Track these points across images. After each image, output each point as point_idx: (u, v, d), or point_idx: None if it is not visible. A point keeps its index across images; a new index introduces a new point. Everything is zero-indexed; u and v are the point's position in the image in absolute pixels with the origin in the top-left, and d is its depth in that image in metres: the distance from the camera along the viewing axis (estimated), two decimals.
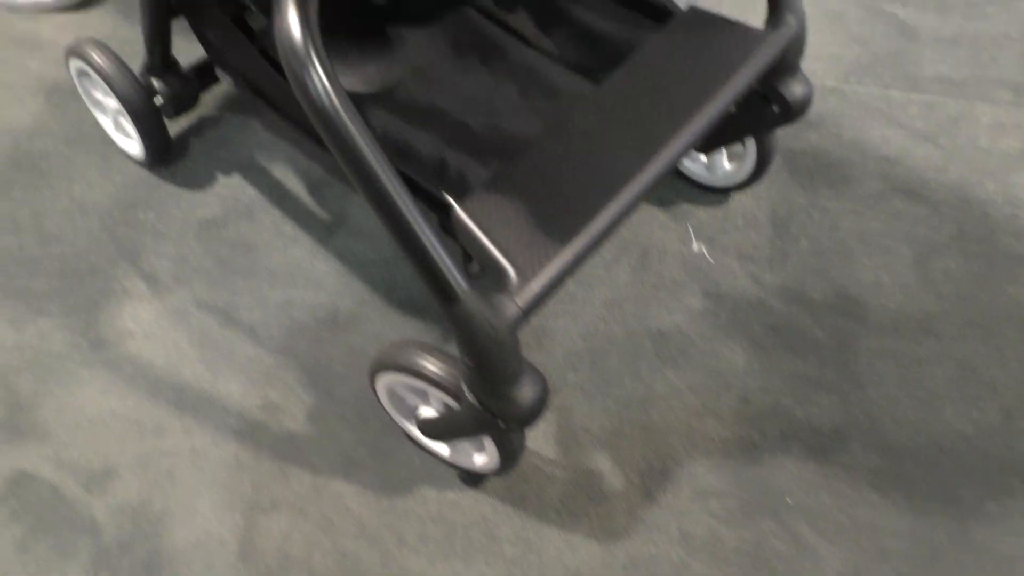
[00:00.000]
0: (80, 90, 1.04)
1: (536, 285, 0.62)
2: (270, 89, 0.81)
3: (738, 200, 1.04)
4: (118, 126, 1.03)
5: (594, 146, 0.71)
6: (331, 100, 0.54)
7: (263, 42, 0.75)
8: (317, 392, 0.88)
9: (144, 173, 1.05)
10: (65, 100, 1.12)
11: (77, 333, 0.92)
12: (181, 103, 0.98)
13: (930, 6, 1.26)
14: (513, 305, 0.61)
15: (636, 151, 0.70)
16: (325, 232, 1.01)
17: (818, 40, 1.14)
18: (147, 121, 0.96)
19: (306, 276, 0.97)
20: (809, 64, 0.83)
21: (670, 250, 0.99)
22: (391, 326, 0.93)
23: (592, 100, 0.75)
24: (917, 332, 0.92)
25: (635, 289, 0.96)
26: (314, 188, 1.05)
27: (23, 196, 1.03)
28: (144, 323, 0.93)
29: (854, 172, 1.06)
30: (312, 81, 0.54)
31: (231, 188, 1.05)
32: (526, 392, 0.63)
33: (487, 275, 0.66)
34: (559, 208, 0.66)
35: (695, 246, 1.00)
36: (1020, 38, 1.22)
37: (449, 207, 0.66)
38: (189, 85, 0.97)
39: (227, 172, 1.06)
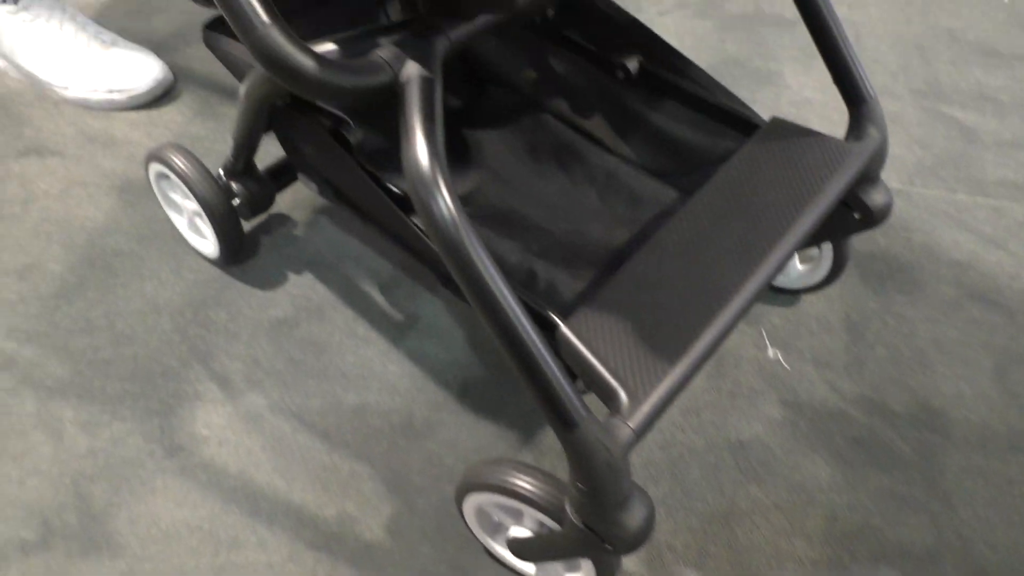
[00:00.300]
0: (156, 192, 1.05)
1: (647, 407, 0.61)
2: (365, 200, 0.82)
3: (810, 303, 1.03)
4: (192, 226, 1.04)
5: (693, 261, 0.71)
6: (457, 228, 0.56)
7: (359, 156, 0.76)
8: (394, 503, 0.87)
9: (215, 271, 1.06)
10: (137, 197, 1.13)
11: (151, 439, 0.91)
12: (258, 205, 0.98)
13: (988, 109, 1.28)
14: (626, 428, 0.60)
15: (736, 265, 0.70)
16: (397, 332, 1.00)
17: None
18: (225, 223, 0.96)
19: (379, 379, 0.96)
20: None
21: (745, 356, 0.98)
22: (468, 432, 0.92)
23: (686, 213, 0.75)
24: (1004, 449, 0.91)
25: (712, 396, 0.95)
26: (385, 287, 1.05)
27: (96, 295, 1.03)
28: (217, 428, 0.92)
29: (926, 277, 1.06)
30: (439, 209, 0.56)
31: (301, 287, 1.05)
32: (636, 516, 0.61)
33: (591, 393, 0.65)
34: (664, 326, 0.66)
35: (770, 352, 0.99)
36: None
37: (555, 326, 0.66)
38: (266, 187, 0.98)
39: (297, 270, 1.06)
